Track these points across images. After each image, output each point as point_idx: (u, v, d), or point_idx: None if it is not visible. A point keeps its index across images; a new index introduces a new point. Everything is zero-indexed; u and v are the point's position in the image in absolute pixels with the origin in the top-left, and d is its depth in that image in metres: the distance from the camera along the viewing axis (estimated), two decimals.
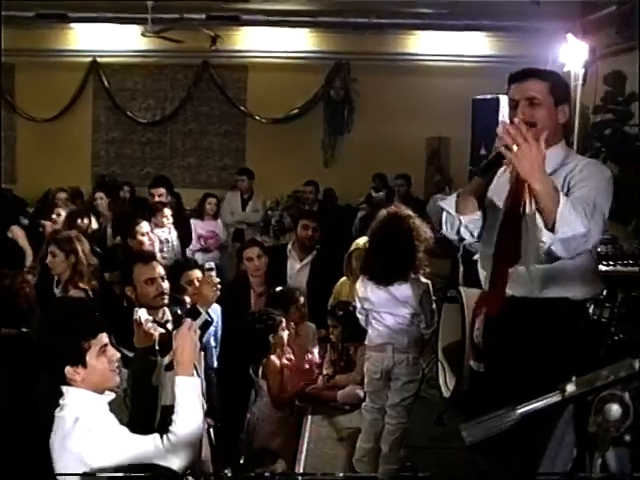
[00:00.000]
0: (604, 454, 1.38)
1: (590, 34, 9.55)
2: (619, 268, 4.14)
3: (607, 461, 1.38)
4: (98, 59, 12.18)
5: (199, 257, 7.67)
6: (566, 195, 2.85)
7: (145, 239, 6.13)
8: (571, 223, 2.68)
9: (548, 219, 2.69)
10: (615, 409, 1.39)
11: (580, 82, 6.18)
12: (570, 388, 1.42)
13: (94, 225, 7.11)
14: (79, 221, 6.66)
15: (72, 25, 11.65)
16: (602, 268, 4.15)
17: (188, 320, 3.39)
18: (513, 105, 3.10)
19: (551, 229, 2.69)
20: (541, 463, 1.66)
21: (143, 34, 10.62)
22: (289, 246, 6.56)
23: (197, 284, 4.70)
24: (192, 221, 8.40)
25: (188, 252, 7.94)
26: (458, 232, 3.23)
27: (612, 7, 8.64)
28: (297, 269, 6.36)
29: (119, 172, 12.50)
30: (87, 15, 10.98)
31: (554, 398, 1.43)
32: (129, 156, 12.67)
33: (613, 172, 7.49)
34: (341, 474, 4.17)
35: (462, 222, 3.19)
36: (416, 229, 4.24)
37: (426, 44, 11.77)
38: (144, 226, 6.27)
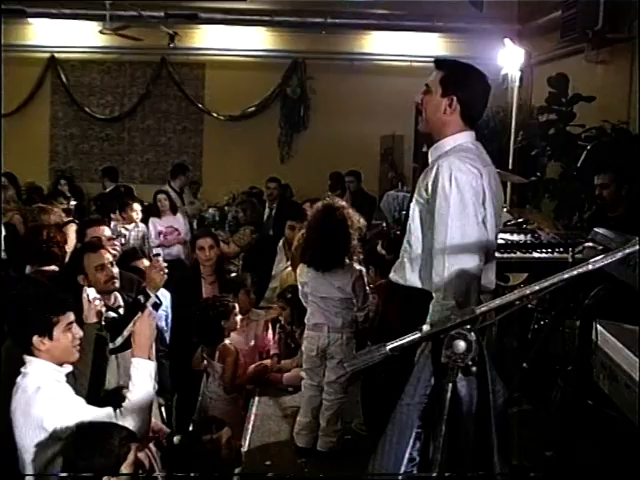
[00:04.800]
0: (454, 381, 1.71)
1: (533, 38, 9.95)
2: (537, 255, 4.45)
3: (457, 387, 1.70)
4: (56, 55, 12.26)
5: (161, 252, 7.84)
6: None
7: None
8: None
9: None
10: (461, 344, 1.71)
11: (517, 84, 6.48)
12: (426, 328, 1.74)
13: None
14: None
15: (30, 20, 11.73)
16: (520, 255, 4.47)
17: (149, 308, 3.69)
18: None
19: None
20: (405, 390, 1.98)
21: (101, 31, 10.75)
22: (280, 244, 6.88)
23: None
24: (151, 219, 8.50)
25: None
26: None
27: (558, 12, 8.93)
28: (282, 268, 6.64)
29: (77, 168, 12.64)
30: (45, 11, 11.11)
31: (415, 336, 1.72)
32: (87, 152, 12.78)
33: (558, 169, 7.91)
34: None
35: None
36: (349, 218, 4.51)
37: (381, 44, 12.06)
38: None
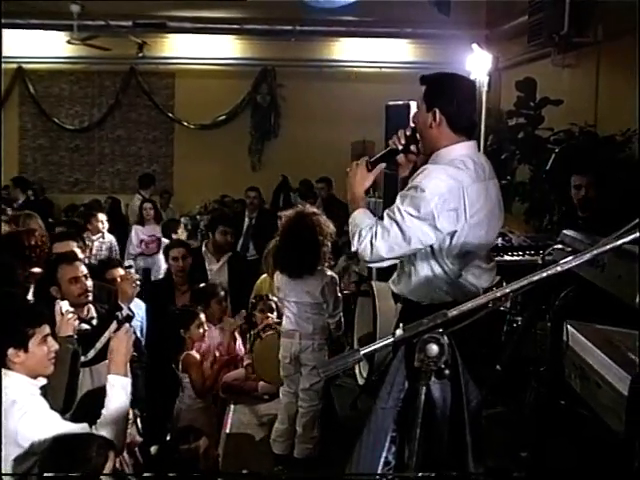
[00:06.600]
0: (428, 384, 1.71)
1: (501, 42, 10.06)
2: (508, 258, 4.50)
3: (431, 390, 1.71)
4: (24, 66, 12.15)
5: (141, 261, 8.14)
6: None
7: None
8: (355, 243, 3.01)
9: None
10: (434, 348, 1.72)
11: (485, 89, 6.56)
12: (399, 332, 1.74)
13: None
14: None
15: None
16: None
17: (126, 325, 3.69)
18: None
19: None
20: (379, 394, 2.00)
21: (69, 41, 10.67)
22: (203, 248, 6.77)
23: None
24: (134, 227, 8.65)
25: (130, 257, 8.28)
26: None
27: (525, 17, 9.03)
28: (215, 269, 6.60)
29: (47, 179, 12.53)
30: (12, 21, 10.99)
31: (388, 341, 1.74)
32: (57, 163, 12.68)
33: (528, 172, 7.98)
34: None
35: None
36: (320, 225, 4.55)
37: (350, 51, 12.11)
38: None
